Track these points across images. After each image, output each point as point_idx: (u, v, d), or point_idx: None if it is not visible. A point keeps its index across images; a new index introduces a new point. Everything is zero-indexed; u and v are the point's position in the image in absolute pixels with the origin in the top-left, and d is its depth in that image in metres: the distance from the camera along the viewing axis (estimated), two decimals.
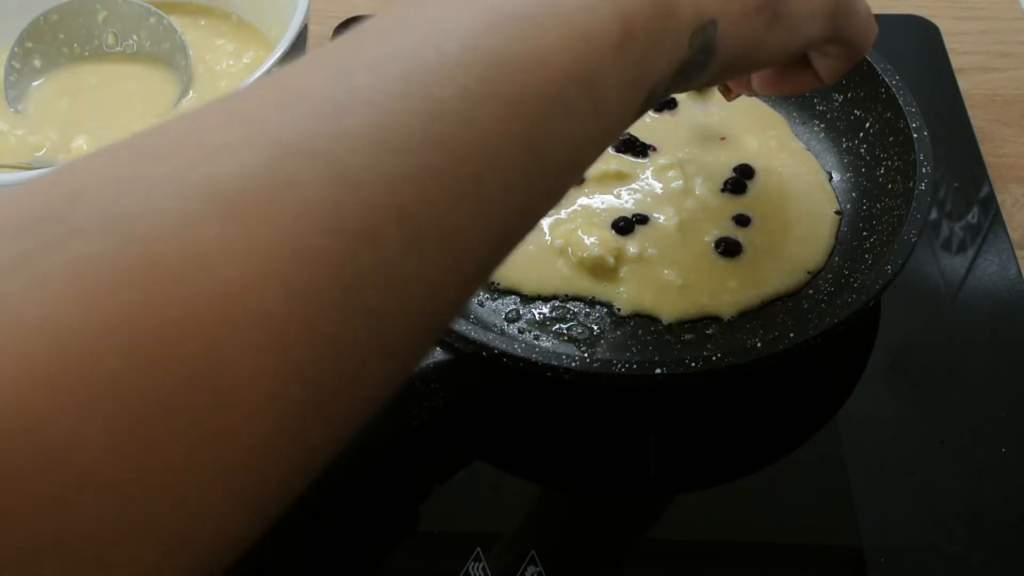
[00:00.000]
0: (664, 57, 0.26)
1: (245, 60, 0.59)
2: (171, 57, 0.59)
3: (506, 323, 0.46)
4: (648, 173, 0.52)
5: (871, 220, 0.48)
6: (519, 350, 0.39)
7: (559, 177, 0.24)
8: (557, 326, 0.46)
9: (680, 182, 0.51)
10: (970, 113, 0.59)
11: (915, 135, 0.47)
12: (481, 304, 0.47)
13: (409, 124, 0.19)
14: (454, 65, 0.21)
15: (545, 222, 0.49)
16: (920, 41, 0.65)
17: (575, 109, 0.23)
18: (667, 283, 0.47)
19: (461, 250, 0.20)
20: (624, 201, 0.50)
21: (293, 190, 0.17)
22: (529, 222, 0.24)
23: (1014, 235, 0.52)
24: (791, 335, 0.39)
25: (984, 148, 0.57)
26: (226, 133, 0.18)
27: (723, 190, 0.51)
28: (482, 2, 0.22)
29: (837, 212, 0.50)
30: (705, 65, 0.28)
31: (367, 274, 0.18)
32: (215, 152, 0.18)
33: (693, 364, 0.38)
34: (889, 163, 0.49)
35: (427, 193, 0.19)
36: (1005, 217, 0.53)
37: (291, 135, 0.18)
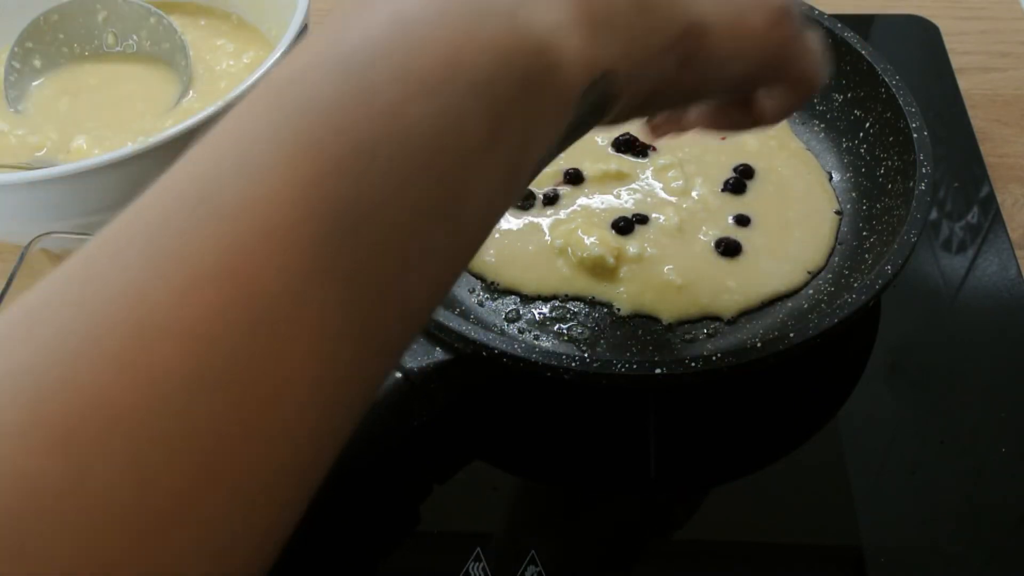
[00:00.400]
0: (546, 133, 0.23)
1: (245, 60, 0.59)
2: (171, 57, 0.59)
3: (506, 323, 0.46)
4: (648, 173, 0.52)
5: (871, 220, 0.48)
6: (519, 350, 0.39)
7: (422, 315, 0.22)
8: (557, 326, 0.46)
9: (680, 182, 0.51)
10: (970, 113, 0.59)
11: (915, 135, 0.47)
12: (481, 304, 0.47)
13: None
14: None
15: (545, 222, 0.49)
16: (920, 41, 0.65)
17: (431, 250, 0.20)
18: (667, 283, 0.47)
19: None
20: (624, 201, 0.50)
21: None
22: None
23: (1014, 235, 0.52)
24: (791, 335, 0.39)
25: (984, 148, 0.57)
26: None
27: (723, 190, 0.51)
28: (295, 141, 0.19)
29: (837, 212, 0.50)
30: (603, 114, 0.26)
31: None
32: (31, 357, 0.16)
33: (693, 364, 0.38)
34: (889, 163, 0.49)
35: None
36: (1005, 217, 0.53)
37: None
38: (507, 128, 0.21)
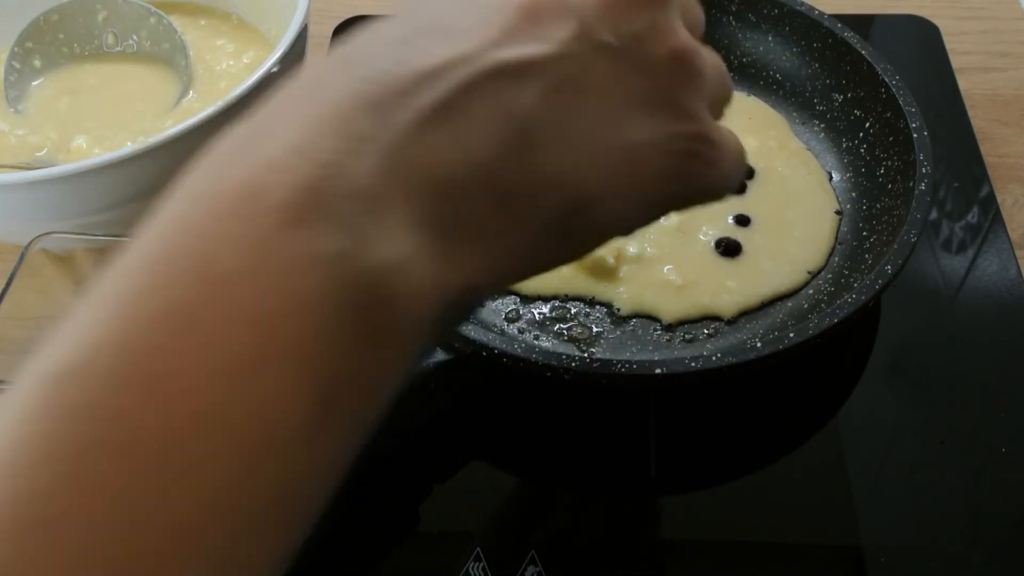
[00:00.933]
0: (394, 376, 0.19)
1: (245, 60, 0.59)
2: (171, 57, 0.59)
3: (506, 323, 0.46)
4: None
5: (871, 220, 0.48)
6: (519, 350, 0.39)
7: None
8: (557, 326, 0.46)
9: None
10: (970, 113, 0.59)
11: (915, 135, 0.47)
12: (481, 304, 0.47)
13: None
14: None
15: None
16: (920, 41, 0.65)
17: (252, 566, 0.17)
18: (667, 283, 0.47)
19: None
20: None
21: None
22: None
23: (1014, 235, 0.52)
24: (791, 335, 0.39)
25: (984, 148, 0.57)
26: None
27: None
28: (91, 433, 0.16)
29: (837, 212, 0.50)
30: (467, 318, 0.23)
31: None
32: None
33: (693, 364, 0.38)
34: (889, 163, 0.49)
35: None
36: (1005, 217, 0.53)
37: None
38: (343, 394, 0.18)
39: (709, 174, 0.24)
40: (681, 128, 0.23)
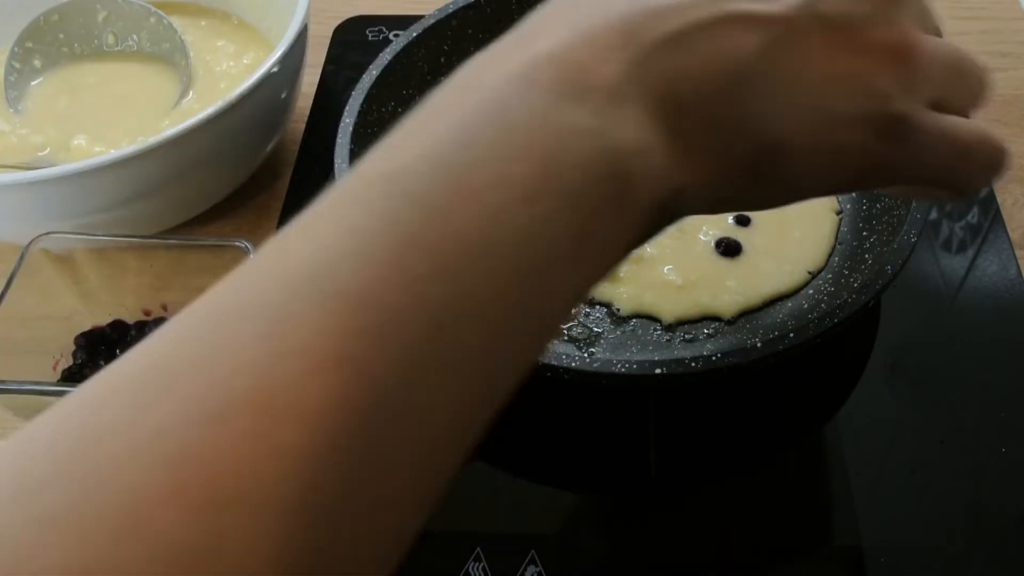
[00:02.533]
0: (618, 247, 0.23)
1: (245, 61, 0.59)
2: (171, 57, 0.59)
3: None
4: None
5: (871, 220, 0.48)
6: None
7: (508, 386, 0.24)
8: None
9: None
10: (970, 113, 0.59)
11: None
12: None
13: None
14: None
15: None
16: None
17: (515, 354, 0.22)
18: (667, 283, 0.47)
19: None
20: None
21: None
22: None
23: (1014, 235, 0.52)
24: (791, 335, 0.39)
25: None
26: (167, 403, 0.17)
27: None
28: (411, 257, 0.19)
29: (837, 212, 0.50)
30: (663, 228, 0.26)
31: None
32: (169, 419, 0.17)
33: (693, 364, 0.38)
34: None
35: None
36: (1005, 217, 0.53)
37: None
38: (589, 242, 0.22)
39: (906, 163, 0.27)
40: (881, 110, 0.25)
